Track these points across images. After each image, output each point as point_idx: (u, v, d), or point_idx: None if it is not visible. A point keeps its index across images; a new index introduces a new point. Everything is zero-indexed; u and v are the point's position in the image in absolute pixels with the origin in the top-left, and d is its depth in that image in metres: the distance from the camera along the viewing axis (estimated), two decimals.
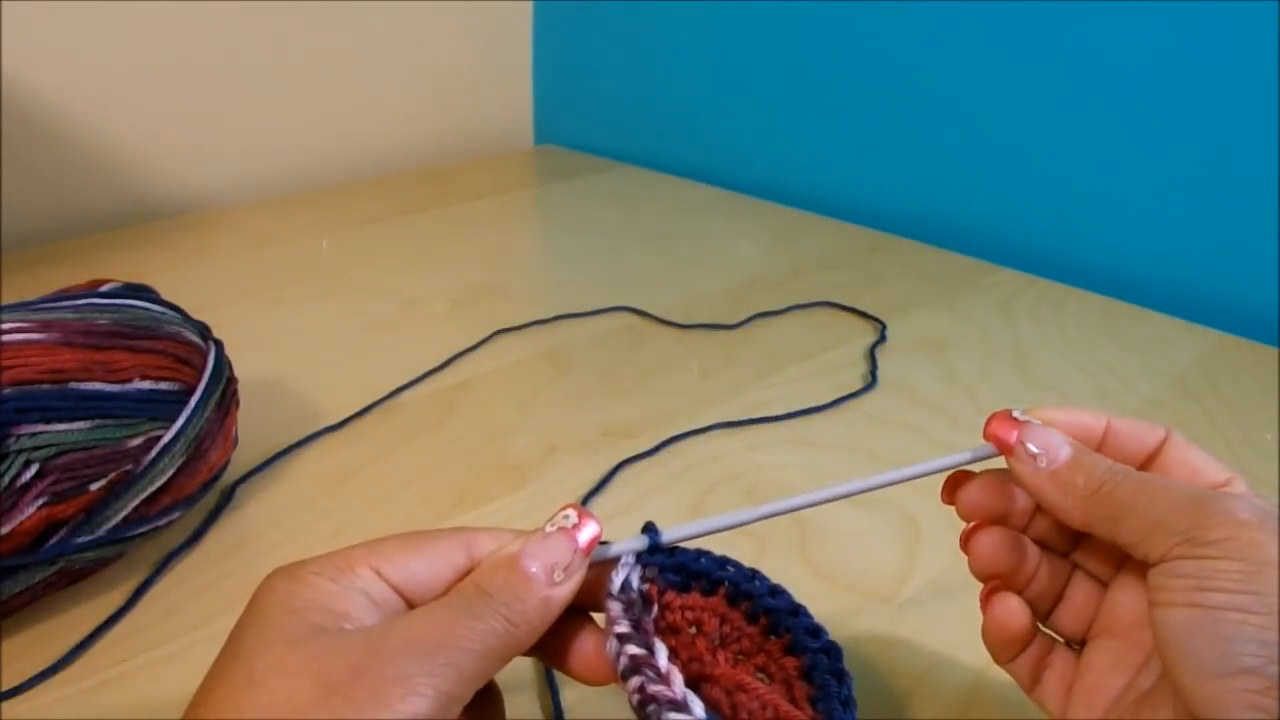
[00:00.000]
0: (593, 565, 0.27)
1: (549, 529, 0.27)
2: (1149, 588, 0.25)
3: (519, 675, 0.37)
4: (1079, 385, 0.59)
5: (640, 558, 0.29)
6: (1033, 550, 0.30)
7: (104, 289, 0.45)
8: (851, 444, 0.53)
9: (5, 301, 0.42)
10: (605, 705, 0.36)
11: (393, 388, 0.57)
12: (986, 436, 0.29)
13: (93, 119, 0.83)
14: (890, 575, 0.43)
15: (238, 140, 0.93)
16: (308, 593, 0.24)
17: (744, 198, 0.95)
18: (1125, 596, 0.29)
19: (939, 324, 0.67)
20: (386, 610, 0.25)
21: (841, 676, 0.28)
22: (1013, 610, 0.29)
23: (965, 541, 0.31)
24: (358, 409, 0.54)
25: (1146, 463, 0.28)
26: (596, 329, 0.66)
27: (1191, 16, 0.67)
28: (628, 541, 0.29)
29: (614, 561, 0.28)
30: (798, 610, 0.30)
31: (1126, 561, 0.29)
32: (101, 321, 0.41)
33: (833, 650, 0.29)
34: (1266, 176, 0.66)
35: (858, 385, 0.58)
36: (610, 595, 0.27)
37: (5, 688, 0.35)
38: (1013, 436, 0.28)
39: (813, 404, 0.55)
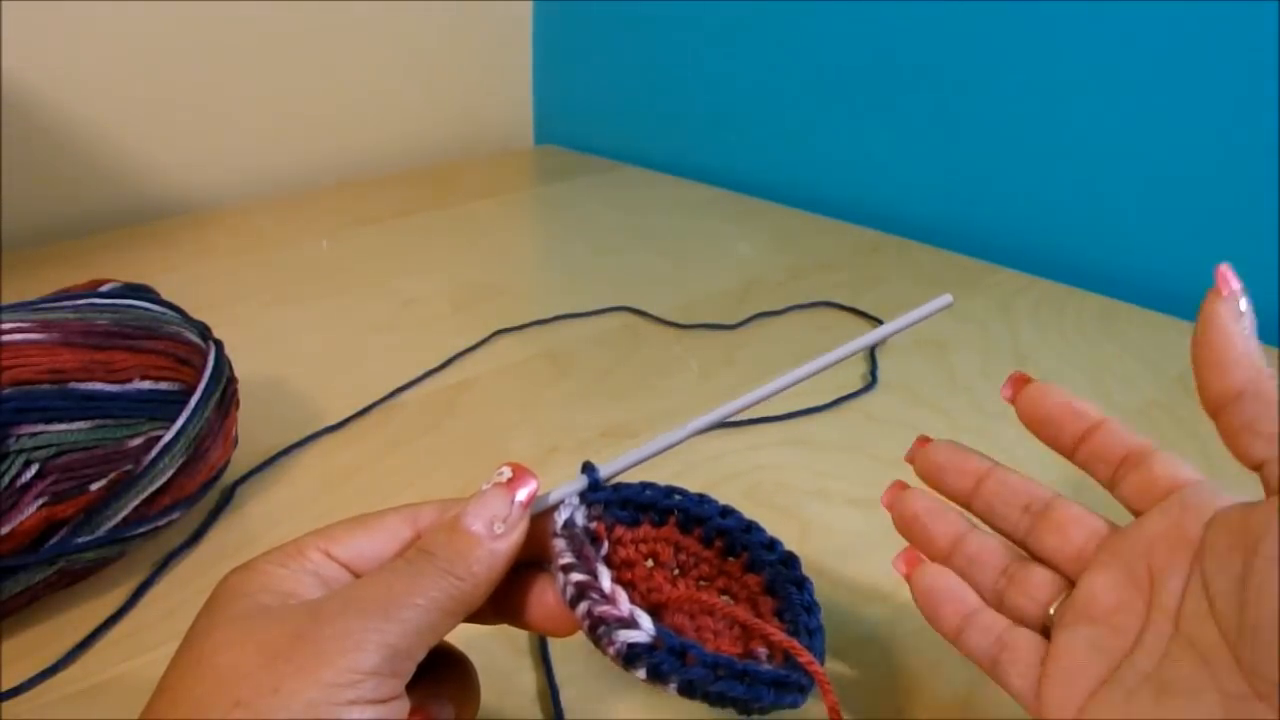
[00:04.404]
0: (540, 517, 0.28)
1: (485, 486, 0.27)
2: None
3: (519, 675, 0.37)
4: (1079, 385, 0.59)
5: (584, 497, 0.29)
6: (967, 524, 0.31)
7: (104, 289, 0.45)
8: (851, 444, 0.53)
9: (5, 301, 0.42)
10: (605, 705, 0.36)
11: (393, 388, 0.57)
12: (1216, 274, 0.29)
13: (93, 119, 0.83)
14: (890, 575, 0.43)
15: (238, 140, 0.93)
16: (258, 579, 0.25)
17: (744, 198, 0.95)
18: (1103, 581, 0.28)
19: (939, 324, 0.67)
20: (335, 587, 0.25)
21: (802, 584, 0.29)
22: (933, 574, 0.30)
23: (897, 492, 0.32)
24: (358, 409, 0.54)
25: (1127, 460, 0.29)
26: (596, 329, 0.66)
27: (1192, 17, 0.67)
28: (568, 484, 0.29)
29: (559, 507, 0.28)
30: (750, 527, 0.30)
31: (1105, 544, 0.29)
32: (101, 321, 0.41)
33: (790, 560, 0.29)
34: (1266, 177, 0.66)
35: (858, 385, 0.58)
36: (554, 534, 0.27)
37: (5, 688, 0.35)
38: (1231, 283, 0.29)
39: (813, 404, 0.55)
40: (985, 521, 0.31)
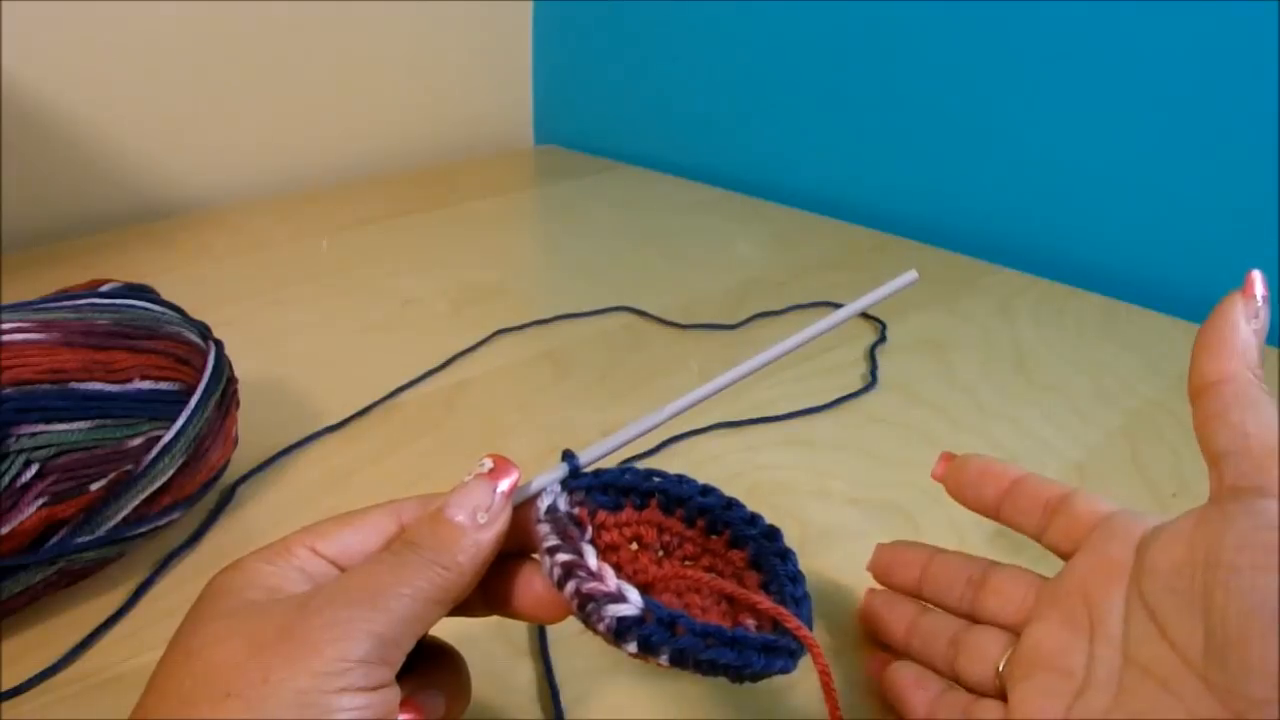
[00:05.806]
0: (523, 506, 0.28)
1: (467, 478, 0.27)
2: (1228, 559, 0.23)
3: (518, 674, 0.37)
4: (1079, 385, 0.59)
5: (565, 484, 0.29)
6: (918, 609, 0.35)
7: (104, 289, 0.45)
8: (851, 444, 0.53)
9: (5, 301, 0.42)
10: (605, 703, 0.36)
11: (393, 388, 0.57)
12: (1246, 277, 0.29)
13: (93, 119, 0.83)
14: None
15: (238, 140, 0.93)
16: (245, 576, 0.25)
17: (744, 198, 0.95)
18: (1043, 629, 0.29)
19: (939, 324, 0.67)
20: (322, 582, 0.26)
21: (785, 555, 0.29)
22: (898, 669, 0.33)
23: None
24: (358, 409, 0.54)
25: (1053, 508, 0.31)
26: (596, 329, 0.66)
27: (1191, 16, 0.67)
28: (550, 472, 0.29)
29: (541, 495, 0.28)
30: (731, 504, 0.30)
31: (1041, 594, 0.30)
32: (101, 321, 0.41)
33: (773, 533, 0.30)
34: (1266, 176, 0.66)
35: (858, 385, 0.58)
36: (538, 520, 0.27)
37: (5, 688, 0.35)
38: (1257, 288, 0.28)
39: (813, 404, 0.55)
40: (935, 603, 0.34)
